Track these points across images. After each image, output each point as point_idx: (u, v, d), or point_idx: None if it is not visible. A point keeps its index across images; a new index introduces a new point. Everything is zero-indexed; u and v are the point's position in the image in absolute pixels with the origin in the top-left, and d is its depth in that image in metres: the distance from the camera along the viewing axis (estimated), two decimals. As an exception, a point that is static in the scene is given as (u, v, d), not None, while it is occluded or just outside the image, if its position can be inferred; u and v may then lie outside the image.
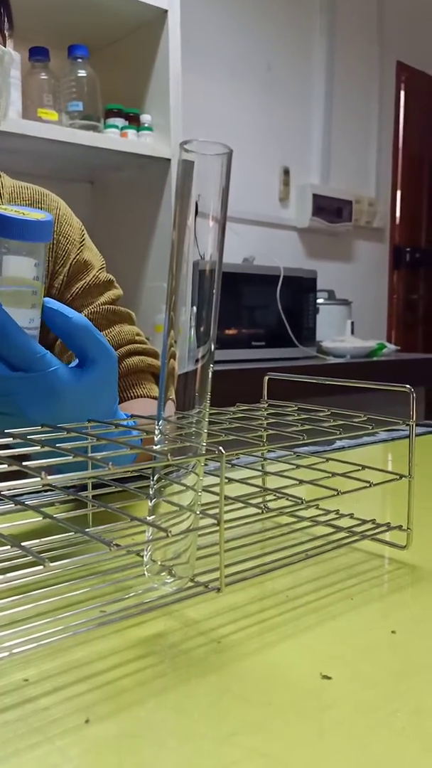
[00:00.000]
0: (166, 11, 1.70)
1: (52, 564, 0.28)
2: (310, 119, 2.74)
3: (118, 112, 1.74)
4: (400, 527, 0.43)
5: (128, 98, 1.80)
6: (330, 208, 2.73)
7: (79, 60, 1.70)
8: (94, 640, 0.32)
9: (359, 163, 2.99)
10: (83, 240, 0.81)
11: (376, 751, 0.25)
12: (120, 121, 1.74)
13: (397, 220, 3.22)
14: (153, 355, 0.81)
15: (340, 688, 0.28)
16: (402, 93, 3.15)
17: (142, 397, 0.78)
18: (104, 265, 0.82)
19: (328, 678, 0.29)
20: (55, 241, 0.77)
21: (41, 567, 0.28)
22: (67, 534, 0.41)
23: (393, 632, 0.34)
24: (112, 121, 1.73)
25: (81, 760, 0.24)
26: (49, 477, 0.30)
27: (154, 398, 0.78)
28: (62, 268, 0.77)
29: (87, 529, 0.35)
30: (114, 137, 1.70)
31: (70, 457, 0.35)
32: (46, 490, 0.50)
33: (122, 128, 1.73)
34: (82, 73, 1.70)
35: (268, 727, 0.26)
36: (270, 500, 0.51)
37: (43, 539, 0.40)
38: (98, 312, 0.77)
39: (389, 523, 0.44)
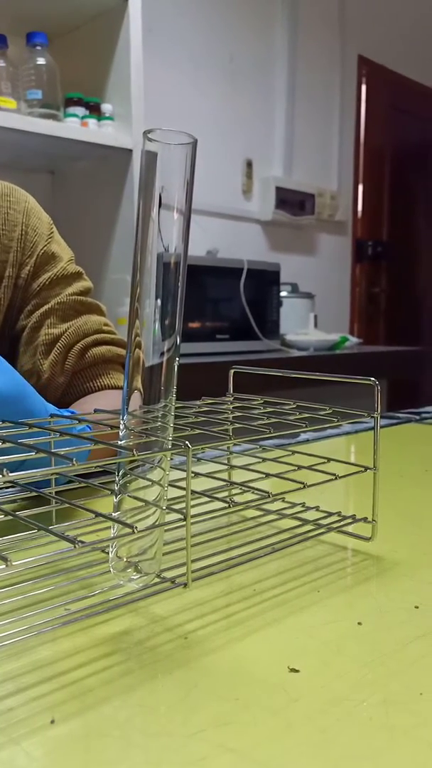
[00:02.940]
0: (127, -1, 1.68)
1: (15, 562, 0.28)
2: (272, 111, 2.74)
3: (79, 101, 1.72)
4: (365, 519, 0.44)
5: (89, 87, 1.77)
6: (293, 201, 2.75)
7: (38, 47, 1.67)
8: (58, 638, 0.32)
9: (321, 156, 3.01)
10: (51, 233, 0.81)
11: (343, 742, 0.25)
12: (80, 110, 1.71)
13: (359, 214, 3.25)
14: (121, 345, 0.80)
15: (307, 681, 0.29)
16: (363, 87, 3.18)
17: (109, 387, 0.77)
18: (73, 258, 0.82)
19: (296, 671, 0.29)
20: (23, 233, 0.78)
21: (4, 566, 0.27)
22: (30, 531, 0.40)
23: (359, 623, 0.34)
24: (72, 110, 1.70)
25: (47, 761, 0.24)
26: (12, 474, 0.30)
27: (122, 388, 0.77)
28: (29, 258, 0.78)
29: (51, 527, 0.34)
30: (74, 126, 1.68)
31: (33, 453, 0.34)
32: (6, 487, 0.49)
33: (83, 117, 1.71)
34: (41, 60, 1.66)
35: (236, 721, 0.26)
36: (236, 494, 0.51)
37: (5, 537, 0.40)
38: (65, 303, 0.77)
39: (354, 515, 0.45)
